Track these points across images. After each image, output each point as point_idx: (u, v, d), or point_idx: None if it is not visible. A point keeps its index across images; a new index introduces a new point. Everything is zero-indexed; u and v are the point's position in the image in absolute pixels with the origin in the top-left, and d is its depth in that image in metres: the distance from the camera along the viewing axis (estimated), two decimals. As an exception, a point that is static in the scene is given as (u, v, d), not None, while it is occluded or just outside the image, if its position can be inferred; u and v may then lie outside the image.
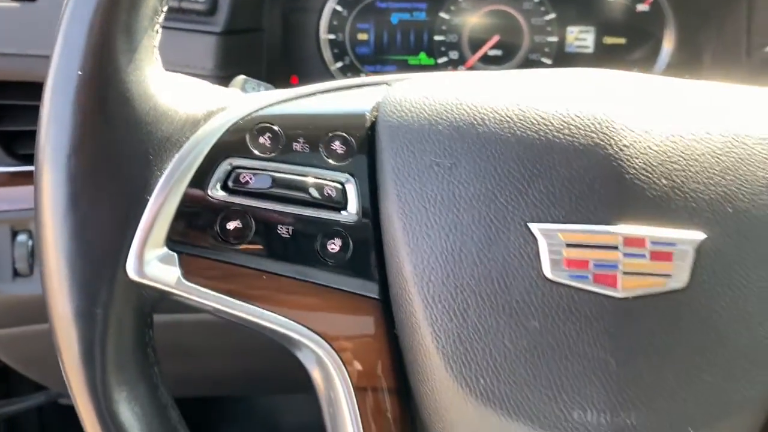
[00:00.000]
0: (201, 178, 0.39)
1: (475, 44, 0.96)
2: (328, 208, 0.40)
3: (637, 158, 0.37)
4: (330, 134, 0.41)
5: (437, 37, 0.96)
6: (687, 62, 0.94)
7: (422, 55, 0.97)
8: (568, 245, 0.36)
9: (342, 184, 0.40)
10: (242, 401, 1.44)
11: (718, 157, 0.38)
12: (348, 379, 0.40)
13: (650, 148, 0.37)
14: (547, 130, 0.38)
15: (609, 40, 0.96)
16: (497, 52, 0.96)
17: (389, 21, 0.96)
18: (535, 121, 0.39)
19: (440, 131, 0.39)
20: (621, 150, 0.37)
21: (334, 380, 0.40)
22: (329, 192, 0.40)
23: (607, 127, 0.37)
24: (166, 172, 0.38)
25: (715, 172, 0.37)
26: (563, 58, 0.96)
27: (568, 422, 0.37)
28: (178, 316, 0.82)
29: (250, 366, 1.03)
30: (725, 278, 0.37)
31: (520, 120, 0.39)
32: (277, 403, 1.44)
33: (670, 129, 0.38)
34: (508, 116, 0.39)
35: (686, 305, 0.36)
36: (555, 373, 0.37)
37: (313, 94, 0.43)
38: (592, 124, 0.38)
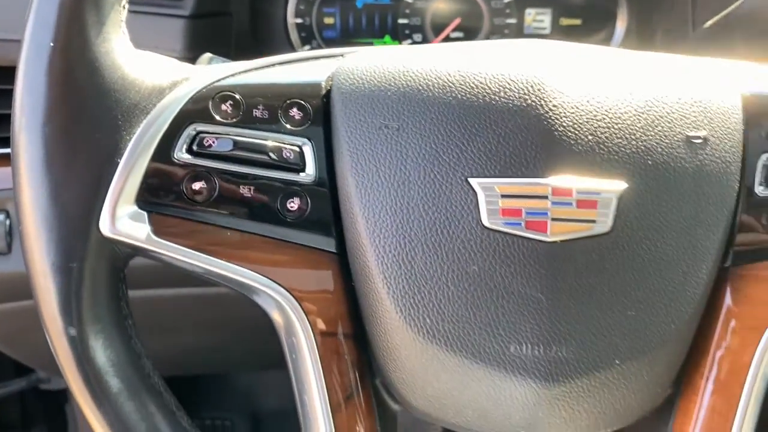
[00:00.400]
0: (167, 142, 0.42)
1: (438, 27, 1.00)
2: (287, 169, 0.43)
3: (565, 117, 0.41)
4: (288, 101, 0.44)
5: (401, 20, 1.00)
6: (640, 41, 0.99)
7: (387, 38, 1.00)
8: (504, 196, 0.40)
9: (300, 147, 0.44)
10: (222, 380, 1.46)
11: (639, 116, 0.42)
12: (309, 326, 0.43)
13: (578, 108, 0.41)
14: (485, 94, 0.42)
15: (565, 21, 1.00)
16: (459, 35, 1.00)
17: (354, 5, 0.99)
18: (474, 86, 0.42)
19: (388, 96, 0.43)
20: (551, 110, 0.41)
21: (295, 327, 0.43)
22: (287, 154, 0.43)
23: (538, 90, 0.41)
24: (134, 137, 0.41)
25: (637, 128, 0.41)
26: (522, 38, 1.00)
27: (505, 355, 0.40)
28: (157, 291, 0.84)
29: (229, 341, 1.06)
30: (646, 223, 0.41)
31: (461, 85, 0.42)
32: (258, 383, 1.47)
33: (596, 91, 0.42)
34: (449, 82, 0.43)
35: (610, 248, 0.40)
36: (493, 311, 0.40)
37: (272, 65, 0.47)
38: (525, 87, 0.41)
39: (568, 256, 0.40)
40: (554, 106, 0.41)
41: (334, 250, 0.44)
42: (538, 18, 1.00)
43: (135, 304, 0.44)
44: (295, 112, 0.44)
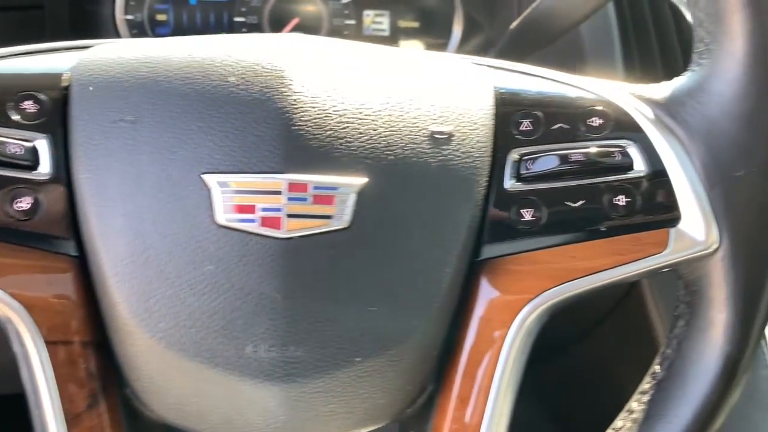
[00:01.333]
0: None
1: (276, 26, 0.98)
2: (15, 166, 0.40)
3: (304, 112, 0.40)
4: (21, 93, 0.41)
5: (237, 18, 0.98)
6: (476, 44, 1.01)
7: (223, 37, 0.98)
8: (238, 192, 0.39)
9: (32, 142, 0.41)
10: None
11: (382, 112, 0.41)
12: (39, 334, 0.40)
13: (318, 104, 0.40)
14: (224, 86, 0.40)
15: (403, 23, 1.00)
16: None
17: (187, 1, 0.96)
18: (214, 78, 0.41)
19: (126, 88, 0.41)
20: (290, 105, 0.39)
21: (23, 336, 0.40)
22: (15, 150, 0.40)
23: (280, 84, 0.40)
24: None
25: (379, 125, 0.41)
26: (362, 40, 1.00)
27: (241, 358, 0.39)
28: None
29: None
30: (387, 217, 0.40)
31: (202, 76, 0.41)
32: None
33: (339, 87, 0.41)
34: (190, 73, 0.41)
35: (349, 243, 0.39)
36: (229, 312, 0.39)
37: (11, 55, 0.43)
38: (266, 80, 0.40)
39: (304, 253, 0.39)
40: (294, 100, 0.40)
41: (74, 253, 0.41)
42: (377, 20, 1.00)
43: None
44: (29, 104, 0.41)
